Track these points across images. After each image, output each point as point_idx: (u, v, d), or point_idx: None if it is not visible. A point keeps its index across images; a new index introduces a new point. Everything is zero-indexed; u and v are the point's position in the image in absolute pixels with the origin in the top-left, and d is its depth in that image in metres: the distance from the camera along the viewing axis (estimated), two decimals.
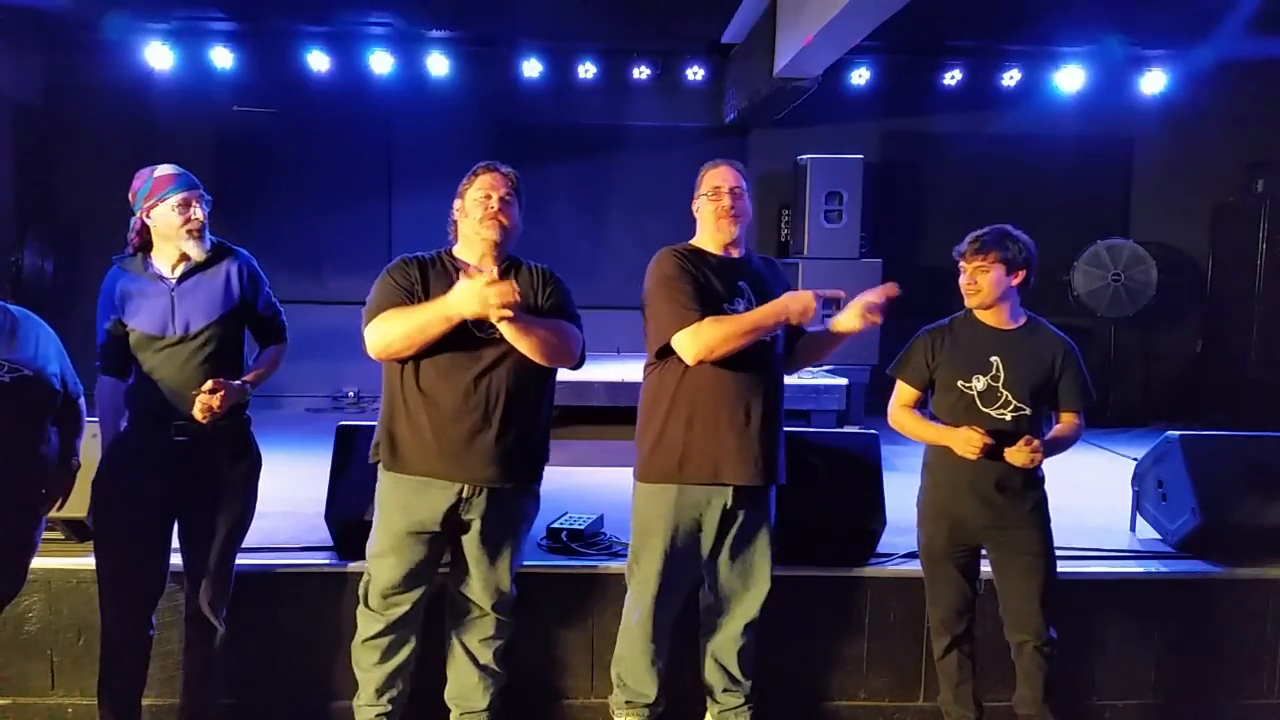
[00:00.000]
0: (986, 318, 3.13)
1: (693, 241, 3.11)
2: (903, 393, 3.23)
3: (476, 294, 2.69)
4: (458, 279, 2.83)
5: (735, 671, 3.18)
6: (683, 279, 2.94)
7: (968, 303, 3.14)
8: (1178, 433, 4.00)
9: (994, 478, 3.04)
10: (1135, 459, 4.41)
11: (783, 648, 3.61)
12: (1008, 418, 3.04)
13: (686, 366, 2.93)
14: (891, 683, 3.66)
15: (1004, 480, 3.05)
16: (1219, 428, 4.51)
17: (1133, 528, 4.28)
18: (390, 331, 2.82)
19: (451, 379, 2.87)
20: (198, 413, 2.87)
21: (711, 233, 3.05)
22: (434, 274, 2.95)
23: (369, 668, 3.06)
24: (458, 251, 3.02)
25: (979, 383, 3.07)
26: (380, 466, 3.01)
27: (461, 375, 2.87)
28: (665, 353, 2.96)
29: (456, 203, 3.01)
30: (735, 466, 2.96)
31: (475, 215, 2.94)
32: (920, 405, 3.24)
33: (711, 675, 3.21)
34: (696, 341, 2.87)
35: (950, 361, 3.13)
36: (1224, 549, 3.83)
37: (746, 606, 3.14)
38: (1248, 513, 3.80)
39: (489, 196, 2.94)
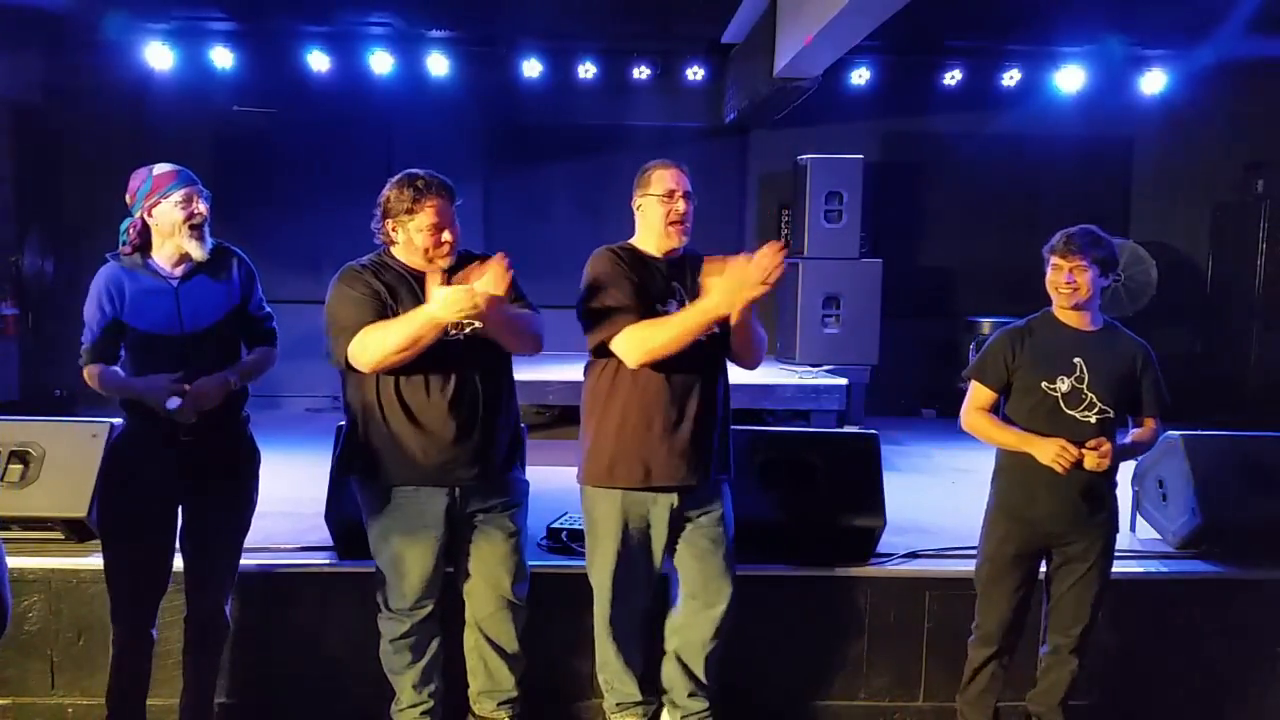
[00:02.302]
0: (1069, 319, 3.07)
1: (632, 241, 3.08)
2: (978, 395, 3.15)
3: (463, 299, 2.62)
4: (416, 286, 2.82)
5: (700, 675, 3.16)
6: (619, 279, 2.92)
7: (1063, 302, 3.05)
8: (1178, 433, 4.00)
9: (1076, 483, 2.99)
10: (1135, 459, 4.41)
11: (783, 648, 3.62)
12: (1092, 420, 3.00)
13: (619, 368, 2.93)
14: (891, 683, 3.66)
15: (1086, 486, 3.01)
16: (1219, 428, 4.49)
17: (1133, 528, 4.28)
18: (384, 345, 2.76)
19: (430, 388, 2.86)
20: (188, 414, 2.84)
21: (658, 235, 3.01)
22: (392, 279, 2.90)
23: (403, 669, 3.06)
24: (398, 253, 2.95)
25: (1063, 384, 3.02)
26: (361, 480, 3.00)
27: (438, 383, 2.86)
28: (602, 352, 2.96)
29: (389, 224, 2.89)
30: (665, 468, 2.95)
31: (425, 245, 2.86)
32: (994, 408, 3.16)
33: (672, 677, 3.18)
34: (638, 345, 2.86)
35: (1031, 363, 3.06)
36: (1224, 549, 3.84)
37: (712, 608, 3.12)
38: (1248, 513, 3.80)
39: (440, 229, 2.86)
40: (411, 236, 2.88)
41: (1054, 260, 3.04)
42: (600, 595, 3.09)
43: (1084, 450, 2.92)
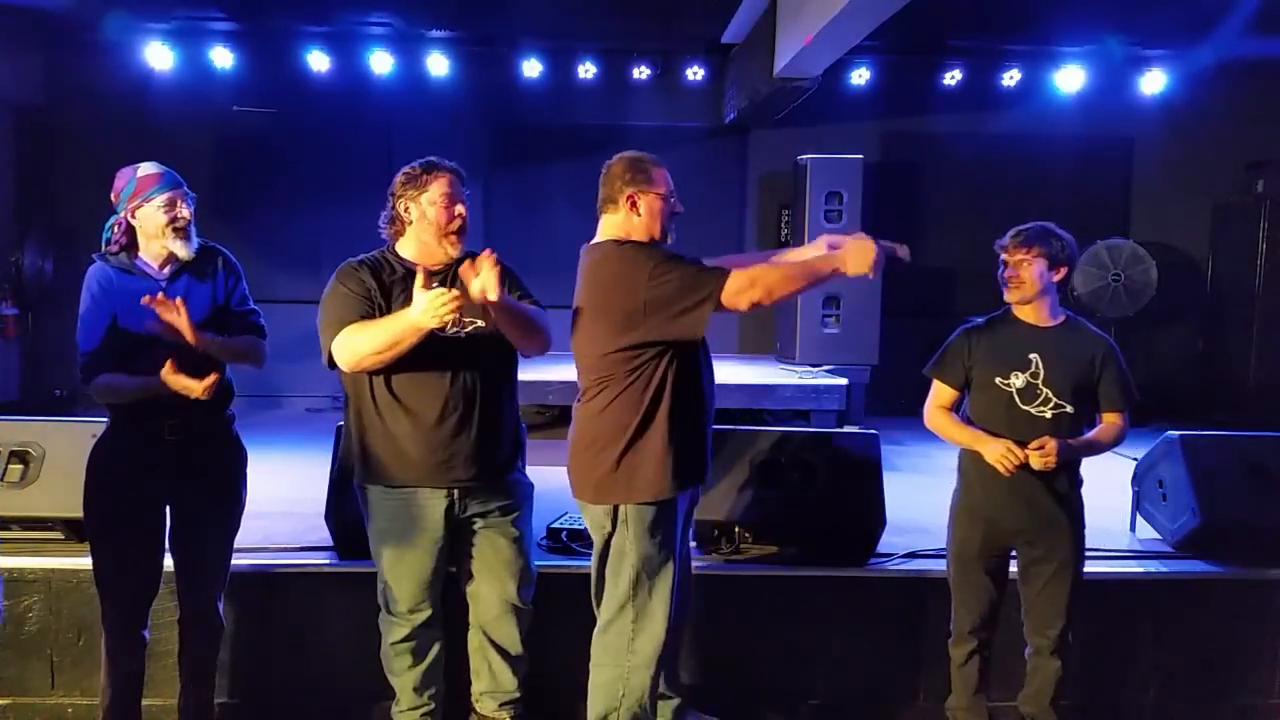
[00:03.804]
0: (1025, 315, 3.10)
1: (633, 237, 2.89)
2: (940, 393, 3.19)
3: (431, 307, 2.60)
4: (412, 282, 2.79)
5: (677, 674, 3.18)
6: (674, 254, 2.80)
7: (1007, 296, 3.09)
8: (1178, 433, 4.00)
9: (1033, 481, 3.00)
10: (1135, 459, 4.41)
11: (782, 648, 3.62)
12: (1048, 415, 3.01)
13: (668, 374, 2.76)
14: (891, 683, 3.66)
15: (1047, 484, 3.01)
16: (1219, 428, 4.50)
17: (1133, 528, 4.28)
18: (361, 346, 2.76)
19: (426, 385, 2.85)
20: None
21: (657, 232, 2.89)
22: (386, 276, 2.90)
23: (403, 671, 3.06)
24: (401, 249, 2.96)
25: (1018, 380, 3.03)
26: (359, 480, 2.99)
27: (435, 380, 2.85)
28: (645, 356, 2.75)
29: (401, 204, 2.89)
30: (705, 465, 2.97)
31: (439, 219, 2.86)
32: (957, 405, 3.20)
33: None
34: (755, 285, 2.69)
35: (987, 358, 3.09)
36: (1224, 549, 3.83)
37: (686, 607, 3.13)
38: (1248, 513, 3.80)
39: (453, 201, 2.87)
40: (425, 211, 2.87)
41: (1001, 256, 3.09)
42: (656, 625, 2.86)
43: (1028, 450, 2.93)
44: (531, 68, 7.62)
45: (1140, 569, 3.83)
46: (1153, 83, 7.68)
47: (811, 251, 2.96)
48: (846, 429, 5.26)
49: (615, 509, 2.84)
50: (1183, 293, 7.80)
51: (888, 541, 3.78)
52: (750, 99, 6.96)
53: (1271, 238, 7.25)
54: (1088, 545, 3.92)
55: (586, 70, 7.66)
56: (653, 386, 2.79)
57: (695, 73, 7.77)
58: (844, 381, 6.40)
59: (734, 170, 8.06)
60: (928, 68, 7.71)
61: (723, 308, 2.73)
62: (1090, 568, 3.76)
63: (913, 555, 3.81)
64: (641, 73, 7.74)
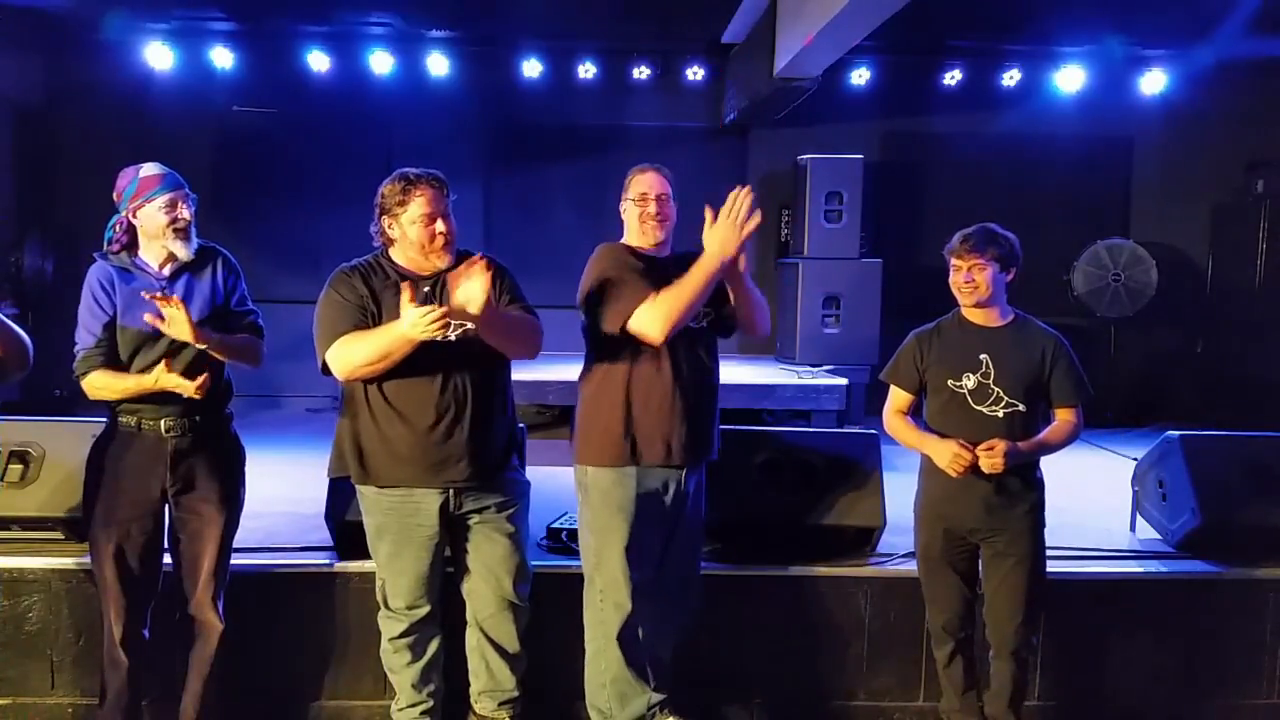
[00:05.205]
0: (975, 316, 3.12)
1: (624, 240, 3.17)
2: (896, 397, 3.22)
3: (421, 323, 2.62)
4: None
5: (667, 663, 3.19)
6: (626, 270, 2.99)
7: (965, 301, 3.11)
8: (1178, 433, 4.00)
9: (991, 479, 3.01)
10: (1135, 459, 4.41)
11: (783, 648, 3.62)
12: (1000, 415, 3.03)
13: (632, 354, 2.96)
14: (891, 683, 3.66)
15: (1000, 482, 3.03)
16: (1219, 428, 4.50)
17: (1133, 528, 4.28)
18: (354, 357, 2.79)
19: (418, 388, 2.86)
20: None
21: (637, 235, 3.11)
22: (377, 281, 2.91)
23: (402, 668, 3.07)
24: (395, 256, 2.97)
25: (969, 381, 3.05)
26: (356, 480, 3.00)
27: (427, 383, 2.86)
28: (613, 345, 2.97)
29: (385, 221, 2.91)
30: (681, 448, 3.00)
31: (420, 239, 2.88)
32: (916, 409, 3.22)
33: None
34: (660, 315, 2.87)
35: (939, 361, 3.11)
36: (1224, 549, 3.83)
37: (689, 601, 3.15)
38: (1248, 513, 3.80)
39: (433, 219, 2.87)
40: (406, 230, 2.89)
41: (953, 261, 3.09)
42: (619, 588, 3.00)
43: (977, 451, 2.95)
44: (531, 68, 7.61)
45: (1140, 569, 3.83)
46: (1153, 83, 7.68)
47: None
48: (846, 429, 5.26)
49: (585, 480, 3.03)
50: (1183, 293, 7.80)
51: (888, 541, 3.78)
52: (750, 99, 6.96)
53: (1271, 238, 7.24)
54: (1089, 545, 3.96)
55: (586, 70, 7.66)
56: (608, 358, 3.01)
57: (695, 73, 7.76)
58: (844, 381, 6.40)
59: (734, 170, 8.03)
60: (928, 68, 7.70)
61: (636, 335, 2.91)
62: (1090, 568, 3.79)
63: (912, 555, 3.79)
64: (641, 73, 7.74)
